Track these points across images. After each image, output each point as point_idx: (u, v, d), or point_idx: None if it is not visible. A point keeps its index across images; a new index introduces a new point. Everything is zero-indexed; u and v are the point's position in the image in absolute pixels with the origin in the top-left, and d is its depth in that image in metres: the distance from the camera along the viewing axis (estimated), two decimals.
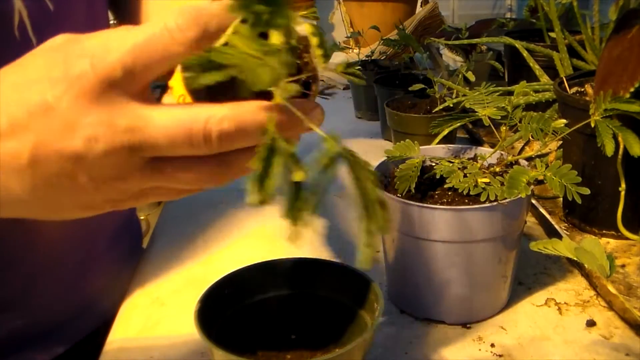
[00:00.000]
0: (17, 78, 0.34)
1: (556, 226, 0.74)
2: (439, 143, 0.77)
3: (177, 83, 0.36)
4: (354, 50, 1.55)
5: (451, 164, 0.62)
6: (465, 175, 0.59)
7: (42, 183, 0.34)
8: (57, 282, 0.66)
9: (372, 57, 1.32)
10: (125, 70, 0.32)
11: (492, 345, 0.58)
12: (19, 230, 0.59)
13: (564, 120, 0.58)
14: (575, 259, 0.48)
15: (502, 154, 0.63)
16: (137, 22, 0.64)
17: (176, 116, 0.33)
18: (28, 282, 0.63)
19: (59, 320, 0.68)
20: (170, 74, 0.39)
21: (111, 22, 0.73)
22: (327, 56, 0.35)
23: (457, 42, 1.23)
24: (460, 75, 0.94)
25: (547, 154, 0.65)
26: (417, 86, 0.96)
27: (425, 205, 0.56)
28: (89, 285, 0.72)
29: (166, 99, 0.39)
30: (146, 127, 0.33)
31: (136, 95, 0.33)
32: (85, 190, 0.34)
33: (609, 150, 0.58)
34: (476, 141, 1.04)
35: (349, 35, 1.60)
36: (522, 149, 0.91)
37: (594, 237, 0.68)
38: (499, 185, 0.57)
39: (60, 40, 0.35)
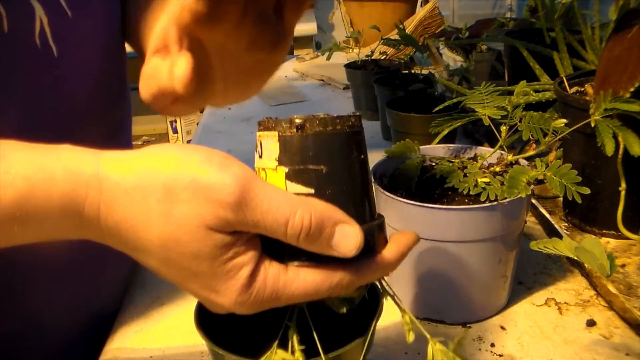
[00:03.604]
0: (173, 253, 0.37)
1: (556, 226, 0.74)
2: (439, 143, 0.77)
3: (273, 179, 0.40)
4: (354, 50, 1.55)
5: (451, 164, 0.62)
6: (465, 175, 0.59)
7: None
8: (57, 282, 0.66)
9: (372, 57, 1.32)
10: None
11: (492, 345, 0.58)
12: None
13: (564, 120, 0.58)
14: (575, 258, 0.48)
15: (502, 154, 0.63)
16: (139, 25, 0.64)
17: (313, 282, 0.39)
18: (27, 282, 0.63)
19: (59, 320, 0.68)
20: None
21: None
22: None
23: (457, 42, 1.23)
24: (460, 75, 0.94)
25: (547, 153, 0.65)
26: (417, 86, 0.96)
27: (425, 205, 0.56)
28: (89, 284, 0.72)
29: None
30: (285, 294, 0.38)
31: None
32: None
33: (609, 150, 0.58)
34: (476, 141, 1.04)
35: (349, 35, 1.60)
36: (522, 148, 0.91)
37: (594, 236, 0.68)
38: (499, 185, 0.57)
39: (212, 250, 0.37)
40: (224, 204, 0.35)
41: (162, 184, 0.36)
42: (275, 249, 0.38)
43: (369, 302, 0.47)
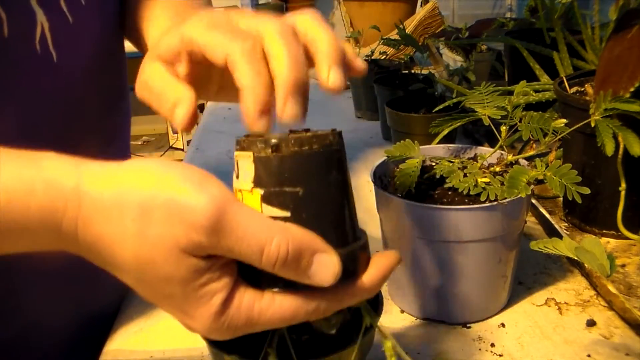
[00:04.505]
0: (148, 275, 0.36)
1: (556, 226, 0.74)
2: (439, 143, 0.77)
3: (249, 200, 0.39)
4: (354, 50, 1.55)
5: (451, 164, 0.62)
6: (465, 175, 0.59)
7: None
8: (58, 285, 0.66)
9: (372, 57, 1.32)
10: None
11: (492, 345, 0.58)
12: None
13: (564, 120, 0.58)
14: (575, 258, 0.48)
15: (502, 154, 0.63)
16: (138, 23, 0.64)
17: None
18: (27, 282, 0.63)
19: (59, 322, 0.68)
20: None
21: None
22: None
23: (457, 42, 1.23)
24: (460, 75, 0.94)
25: (547, 153, 0.64)
26: (417, 86, 0.96)
27: (425, 205, 0.56)
28: (89, 284, 0.72)
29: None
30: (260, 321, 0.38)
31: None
32: None
33: (609, 150, 0.58)
34: (476, 141, 1.04)
35: (349, 35, 1.60)
36: (522, 148, 0.91)
37: (594, 236, 0.68)
38: (499, 185, 0.57)
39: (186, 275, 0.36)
40: (198, 227, 0.34)
41: (137, 202, 0.35)
42: (252, 274, 0.37)
43: (369, 302, 0.47)
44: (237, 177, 0.39)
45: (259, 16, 0.41)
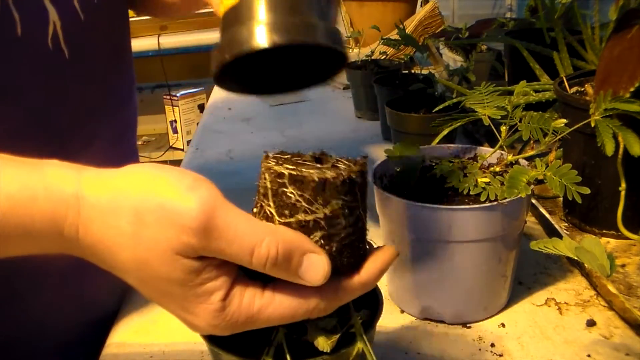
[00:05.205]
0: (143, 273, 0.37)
1: (556, 226, 0.74)
2: (439, 143, 0.77)
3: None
4: (354, 50, 1.55)
5: (451, 164, 0.62)
6: (465, 175, 0.59)
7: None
8: (57, 282, 0.66)
9: (372, 57, 1.32)
10: None
11: (492, 345, 0.58)
12: None
13: (564, 120, 0.58)
14: (575, 258, 0.48)
15: (502, 154, 0.63)
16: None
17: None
18: (27, 282, 0.63)
19: (60, 322, 0.68)
20: None
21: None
22: None
23: (457, 42, 1.23)
24: (460, 75, 0.94)
25: (547, 153, 0.65)
26: (417, 86, 0.96)
27: (425, 205, 0.56)
28: (89, 285, 0.72)
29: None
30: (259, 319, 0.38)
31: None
32: None
33: (609, 150, 0.58)
34: (476, 141, 1.04)
35: (349, 35, 1.60)
36: (522, 149, 0.91)
37: (594, 236, 0.68)
38: (499, 185, 0.57)
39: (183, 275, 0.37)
40: (187, 230, 0.35)
41: (131, 206, 0.36)
42: (253, 270, 0.38)
43: (369, 302, 0.47)
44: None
45: None
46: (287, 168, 0.37)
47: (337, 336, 0.43)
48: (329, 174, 0.37)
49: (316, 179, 0.37)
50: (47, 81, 0.55)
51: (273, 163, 0.38)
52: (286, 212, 0.38)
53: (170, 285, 0.37)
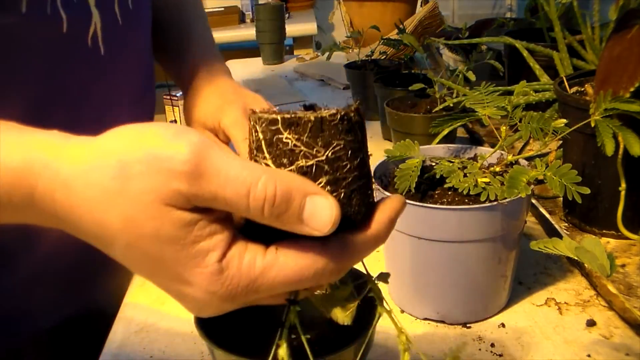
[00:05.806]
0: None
1: (556, 226, 0.74)
2: (439, 143, 0.77)
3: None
4: (354, 50, 1.55)
5: (451, 164, 0.62)
6: (465, 175, 0.59)
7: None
8: (57, 282, 0.66)
9: (372, 57, 1.32)
10: None
11: (492, 345, 0.58)
12: (18, 231, 0.59)
13: (564, 120, 0.58)
14: (575, 258, 0.48)
15: (502, 154, 0.63)
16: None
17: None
18: (27, 282, 0.63)
19: (60, 321, 0.68)
20: None
21: None
22: None
23: (457, 42, 1.23)
24: (460, 75, 0.94)
25: (547, 154, 0.65)
26: (417, 86, 0.96)
27: (425, 205, 0.56)
28: (89, 284, 0.72)
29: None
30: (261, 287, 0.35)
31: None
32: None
33: (609, 150, 0.58)
34: (476, 141, 1.04)
35: (349, 35, 1.60)
36: (522, 148, 0.91)
37: (594, 236, 0.68)
38: (499, 185, 0.57)
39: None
40: (177, 174, 0.32)
41: (116, 159, 0.33)
42: (254, 232, 0.35)
43: (367, 305, 0.47)
44: None
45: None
46: (279, 113, 0.34)
47: (355, 304, 0.39)
48: (325, 113, 0.35)
49: (312, 118, 0.34)
50: (83, 71, 0.61)
51: (264, 114, 0.35)
52: (284, 160, 0.34)
53: (160, 246, 0.33)
